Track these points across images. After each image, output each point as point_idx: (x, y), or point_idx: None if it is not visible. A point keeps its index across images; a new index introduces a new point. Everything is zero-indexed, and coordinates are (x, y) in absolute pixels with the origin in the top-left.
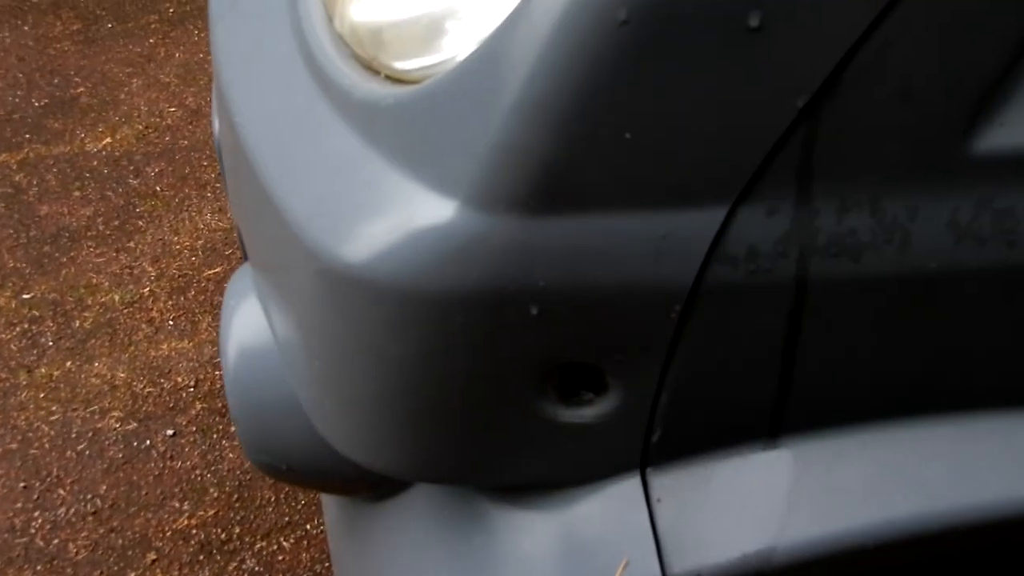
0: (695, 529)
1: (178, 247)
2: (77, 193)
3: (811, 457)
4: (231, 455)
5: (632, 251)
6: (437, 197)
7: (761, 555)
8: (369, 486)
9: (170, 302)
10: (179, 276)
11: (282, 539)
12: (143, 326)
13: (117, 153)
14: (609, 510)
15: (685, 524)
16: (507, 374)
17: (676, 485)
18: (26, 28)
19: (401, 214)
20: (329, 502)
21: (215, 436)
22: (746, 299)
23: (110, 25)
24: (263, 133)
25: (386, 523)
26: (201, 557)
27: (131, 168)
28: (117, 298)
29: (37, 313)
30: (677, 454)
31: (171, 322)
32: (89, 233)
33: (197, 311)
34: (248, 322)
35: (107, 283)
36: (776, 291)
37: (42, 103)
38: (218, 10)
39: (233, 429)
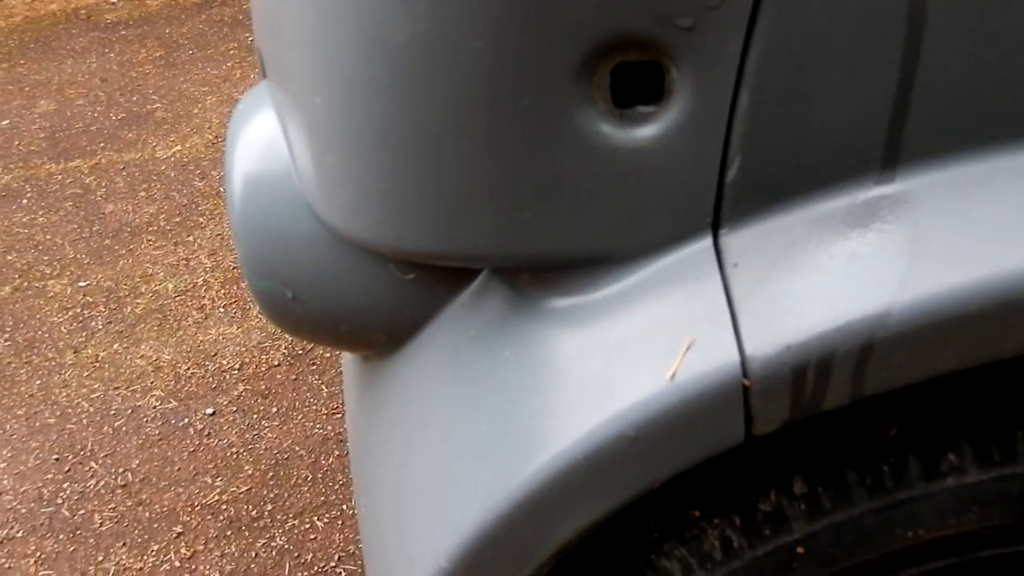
0: (782, 295)
1: None
2: (143, 193)
3: (941, 188)
4: (270, 434)
5: None
6: None
7: (871, 319)
8: (385, 319)
9: (223, 291)
10: (234, 267)
11: (315, 518)
12: (193, 312)
13: (185, 159)
14: (670, 285)
15: (769, 290)
16: (545, 57)
17: (758, 243)
18: (112, 55)
19: None
20: (348, 390)
21: (255, 416)
22: None
23: (191, 52)
24: None
25: (405, 371)
26: (229, 533)
27: (197, 172)
28: (171, 286)
29: (91, 299)
30: (760, 199)
31: (222, 309)
32: (150, 228)
33: (249, 300)
34: (259, 131)
35: (162, 273)
36: None
37: (119, 117)
38: None
39: (275, 409)
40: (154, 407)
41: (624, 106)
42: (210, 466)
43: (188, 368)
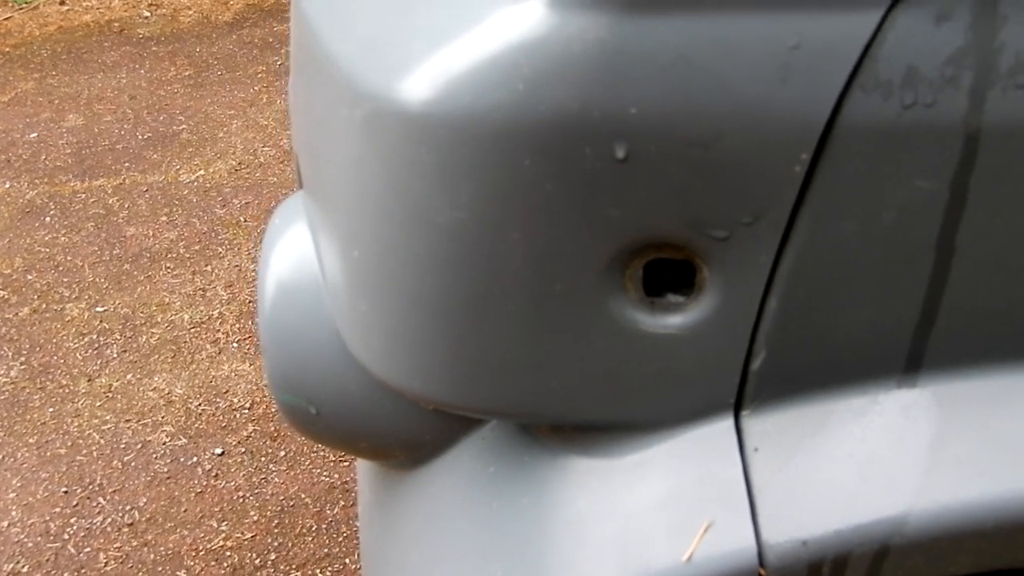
0: (801, 487)
1: (252, 274)
2: (164, 218)
3: (961, 399)
4: (277, 479)
5: (750, 66)
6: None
7: (888, 524)
8: (405, 441)
9: (237, 325)
10: (250, 301)
11: (318, 570)
12: (207, 346)
13: (208, 184)
14: (691, 461)
15: (788, 480)
16: (580, 251)
17: (779, 431)
18: (142, 71)
19: (461, 24)
20: (363, 483)
21: (263, 459)
22: (897, 147)
23: (220, 72)
24: (323, 5)
25: (422, 491)
26: None
27: (219, 199)
28: (187, 317)
29: (107, 325)
30: (783, 388)
31: (235, 344)
32: (169, 255)
33: None
34: (293, 246)
35: (179, 303)
36: (939, 137)
37: (145, 136)
38: None
39: (283, 453)
40: (164, 443)
41: (655, 294)
42: (216, 509)
43: (199, 404)
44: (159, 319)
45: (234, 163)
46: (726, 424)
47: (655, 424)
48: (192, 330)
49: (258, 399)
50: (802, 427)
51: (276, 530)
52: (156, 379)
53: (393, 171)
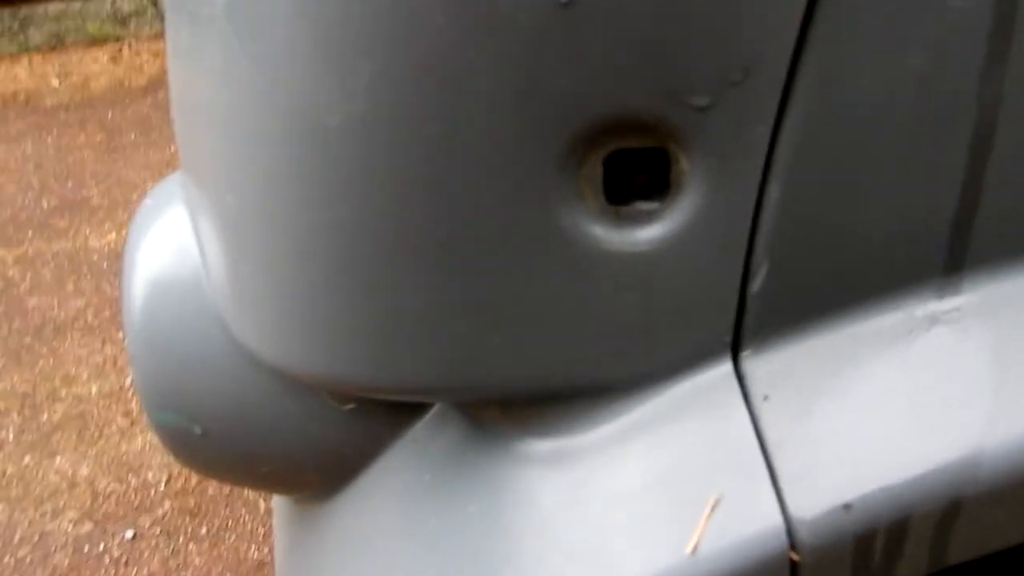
0: (832, 438)
1: None
2: (71, 286)
3: (1020, 301)
4: (198, 561)
5: None
6: None
7: (956, 470)
8: (318, 459)
9: None
10: None
11: None
12: (118, 418)
13: (120, 249)
14: (682, 425)
15: (814, 431)
16: (518, 144)
17: (792, 370)
18: (49, 140)
19: None
20: (278, 530)
21: (181, 539)
22: None
23: (133, 136)
24: None
25: (346, 521)
26: None
27: None
28: (95, 389)
29: (4, 405)
30: (793, 314)
31: None
32: (76, 324)
33: None
34: (169, 231)
35: (86, 374)
36: None
37: (51, 204)
38: None
39: (204, 530)
40: (66, 531)
41: (620, 202)
42: None
43: (108, 484)
44: (63, 394)
45: None
46: (723, 370)
47: (630, 383)
48: (101, 402)
49: (176, 472)
50: (822, 361)
51: None
52: (59, 459)
53: (265, 65)
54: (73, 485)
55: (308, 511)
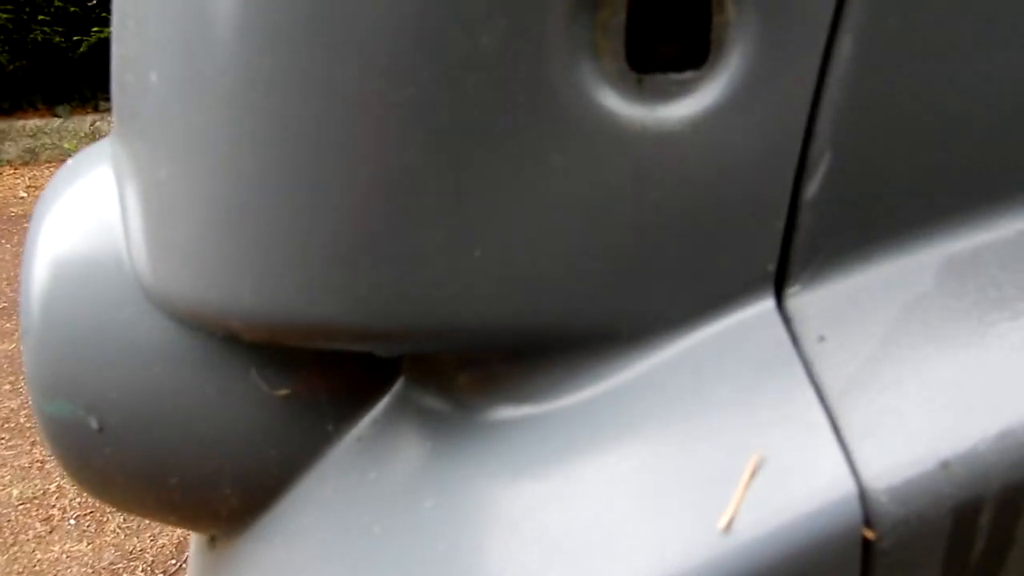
0: (916, 383)
1: None
2: (8, 386)
3: None
4: None
5: None
6: None
7: None
8: (240, 463)
9: (77, 500)
10: None
11: None
12: (37, 524)
13: None
14: (710, 375)
15: (890, 375)
16: None
17: (855, 304)
18: (8, 246)
19: None
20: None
21: None
22: None
23: None
24: None
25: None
26: None
27: None
28: (15, 492)
29: None
30: (860, 231)
31: (72, 521)
32: (7, 425)
33: (108, 512)
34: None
35: (8, 476)
36: None
37: (0, 306)
38: None
39: None
40: None
41: (644, 70)
42: None
43: None
44: None
45: None
46: (763, 308)
47: (640, 327)
48: (20, 507)
49: None
50: (894, 293)
51: None
52: None
53: None
54: None
55: (224, 555)
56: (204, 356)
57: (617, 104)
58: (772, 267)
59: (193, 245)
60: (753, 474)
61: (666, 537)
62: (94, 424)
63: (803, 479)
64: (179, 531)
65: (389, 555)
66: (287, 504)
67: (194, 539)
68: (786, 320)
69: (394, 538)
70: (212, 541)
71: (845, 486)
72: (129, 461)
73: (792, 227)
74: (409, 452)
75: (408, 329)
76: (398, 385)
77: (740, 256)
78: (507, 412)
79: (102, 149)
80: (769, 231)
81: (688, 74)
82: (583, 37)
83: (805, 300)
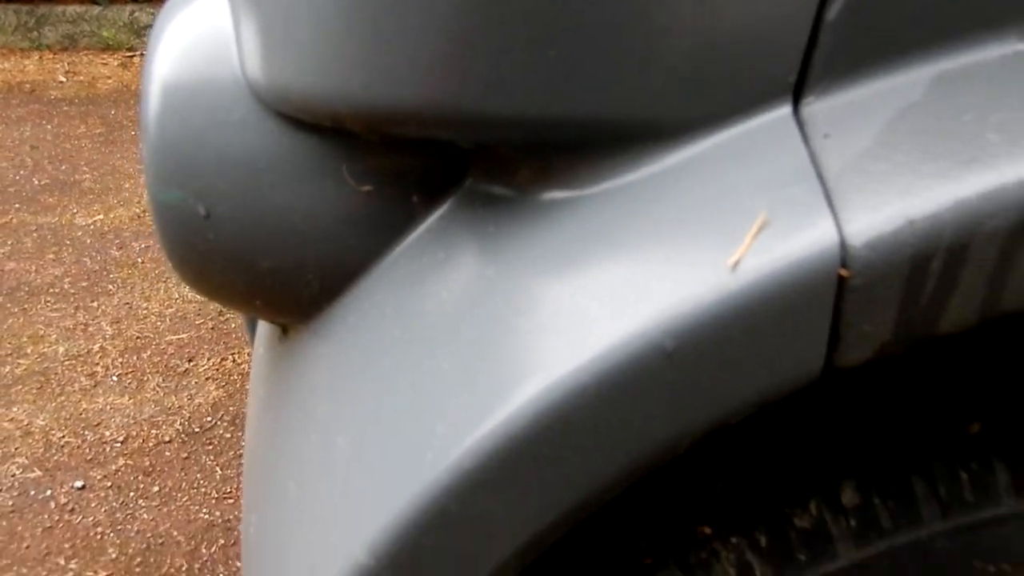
0: (896, 159)
1: (144, 311)
2: (51, 256)
3: None
4: (146, 515)
5: None
6: None
7: None
8: (326, 248)
9: (120, 359)
10: (137, 337)
11: None
12: (82, 378)
13: (105, 228)
14: (728, 157)
15: (876, 155)
16: None
17: (861, 109)
18: (49, 127)
19: None
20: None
21: (131, 494)
22: None
23: (133, 132)
24: None
25: (339, 328)
26: None
27: (116, 241)
28: (61, 350)
29: None
30: (874, 49)
31: (115, 377)
32: (51, 290)
33: (148, 371)
34: (205, 7)
35: (55, 335)
36: None
37: (42, 182)
38: None
39: (156, 489)
40: (13, 475)
41: None
42: (67, 546)
43: (63, 436)
44: (29, 351)
45: (138, 210)
46: (781, 114)
47: (675, 126)
48: (66, 363)
49: (134, 433)
50: (898, 100)
51: (137, 569)
52: (15, 409)
53: None
54: (27, 434)
55: (293, 348)
56: (303, 154)
57: None
58: (792, 79)
59: (312, 41)
60: (760, 229)
61: (687, 273)
62: (202, 211)
63: (798, 232)
64: (214, 392)
65: (451, 313)
66: (361, 290)
67: (261, 336)
68: (800, 123)
69: (455, 301)
70: (284, 333)
71: (830, 238)
72: (229, 246)
73: (813, 46)
74: (475, 232)
75: (491, 117)
76: (467, 183)
77: (767, 67)
78: (560, 194)
79: None
80: (793, 46)
81: None
82: None
83: (816, 108)
